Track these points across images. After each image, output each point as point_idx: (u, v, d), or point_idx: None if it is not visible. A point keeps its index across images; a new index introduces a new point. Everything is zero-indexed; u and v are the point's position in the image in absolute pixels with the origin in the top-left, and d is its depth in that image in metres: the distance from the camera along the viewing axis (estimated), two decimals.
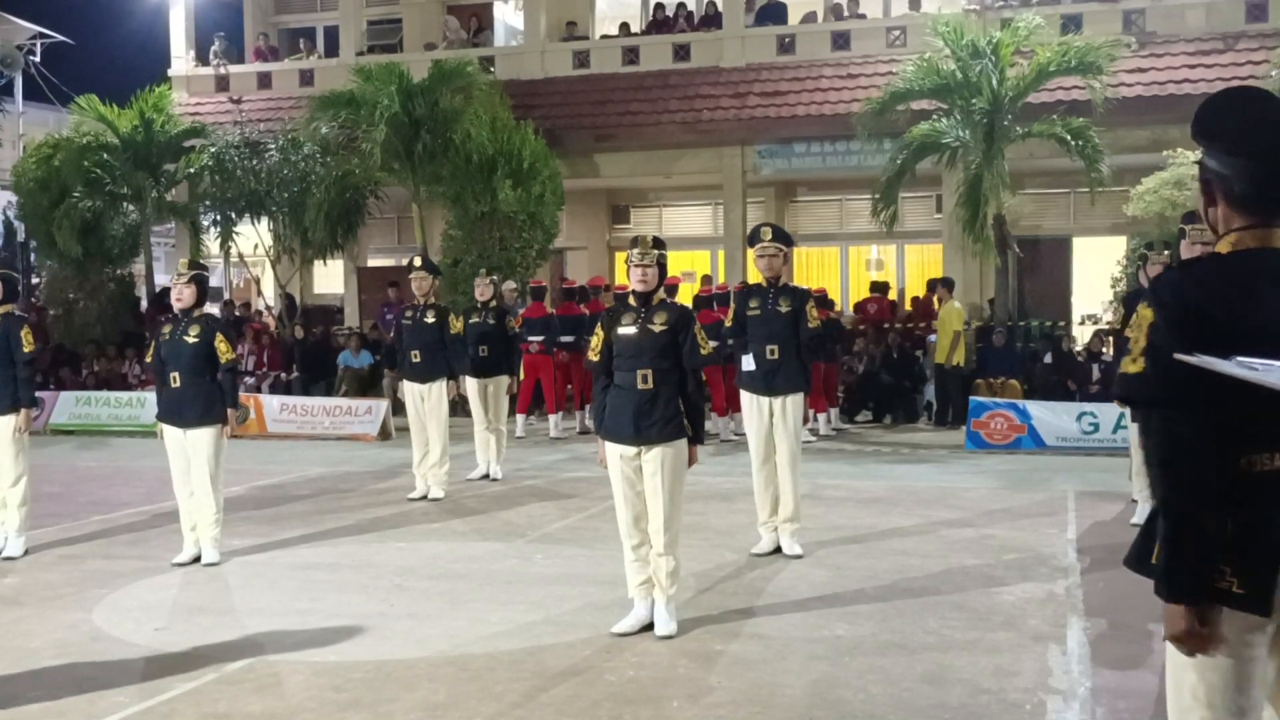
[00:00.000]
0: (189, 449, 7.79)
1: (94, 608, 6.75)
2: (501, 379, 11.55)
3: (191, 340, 7.75)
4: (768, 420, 7.71)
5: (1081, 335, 17.78)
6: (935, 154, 16.05)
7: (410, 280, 10.65)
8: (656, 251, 6.14)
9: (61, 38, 27.10)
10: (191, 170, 19.16)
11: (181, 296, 7.88)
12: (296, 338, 18.40)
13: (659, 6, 21.66)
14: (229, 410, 7.87)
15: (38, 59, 26.96)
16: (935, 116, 15.96)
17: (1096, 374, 14.59)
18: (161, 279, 20.20)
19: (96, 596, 7.01)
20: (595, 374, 6.30)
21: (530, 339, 14.22)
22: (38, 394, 9.23)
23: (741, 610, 6.47)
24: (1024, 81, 15.50)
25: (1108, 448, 12.22)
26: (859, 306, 19.11)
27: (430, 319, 10.34)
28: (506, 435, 11.90)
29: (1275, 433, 2.61)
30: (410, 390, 10.39)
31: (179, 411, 7.78)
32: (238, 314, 20.45)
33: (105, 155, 19.12)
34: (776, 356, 7.70)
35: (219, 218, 19.29)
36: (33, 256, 22.88)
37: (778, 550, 7.77)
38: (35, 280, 22.66)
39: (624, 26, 21.64)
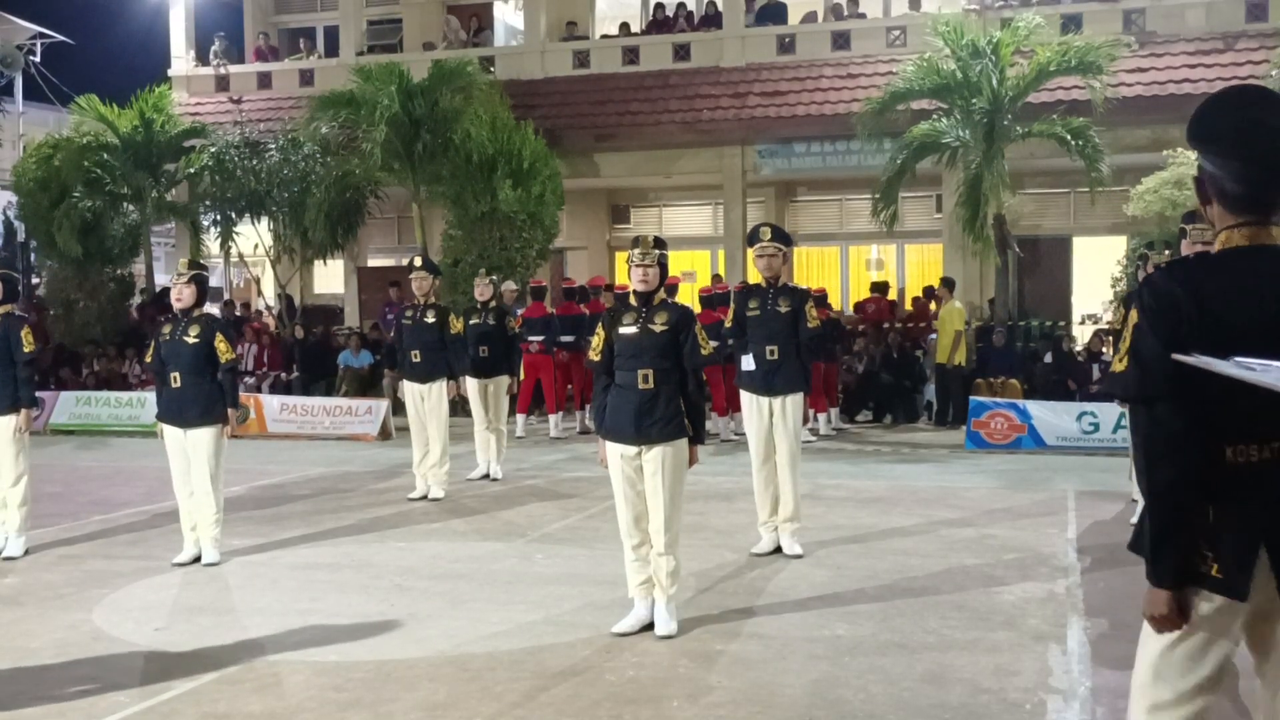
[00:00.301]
0: (189, 449, 7.79)
1: (94, 608, 6.75)
2: (502, 379, 11.55)
3: (191, 340, 7.75)
4: (767, 420, 7.71)
5: (1081, 335, 17.77)
6: (935, 154, 16.05)
7: (410, 280, 10.66)
8: (657, 251, 6.14)
9: (61, 38, 27.13)
10: (191, 170, 19.17)
11: (181, 296, 7.87)
12: (296, 338, 18.40)
13: (659, 6, 21.66)
14: (229, 410, 7.87)
15: (38, 59, 26.97)
16: (935, 116, 15.97)
17: (1097, 374, 14.58)
18: (161, 279, 20.20)
19: (97, 596, 7.02)
20: (596, 374, 6.31)
21: (530, 339, 14.22)
22: (38, 394, 9.22)
23: (741, 610, 6.47)
24: (1024, 81, 15.50)
25: (1108, 448, 12.21)
26: (859, 306, 19.11)
27: (430, 319, 10.34)
28: (506, 435, 11.90)
29: (1259, 427, 2.71)
30: (410, 390, 10.39)
31: (179, 411, 7.78)
32: (238, 314, 20.45)
33: (105, 155, 19.13)
34: (776, 357, 7.70)
35: (219, 218, 19.30)
36: (33, 256, 22.87)
37: (778, 550, 7.77)
38: (35, 280, 22.67)
39: (624, 26, 21.64)
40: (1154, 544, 2.75)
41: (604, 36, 21.54)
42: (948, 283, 15.71)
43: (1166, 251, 9.98)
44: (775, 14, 20.28)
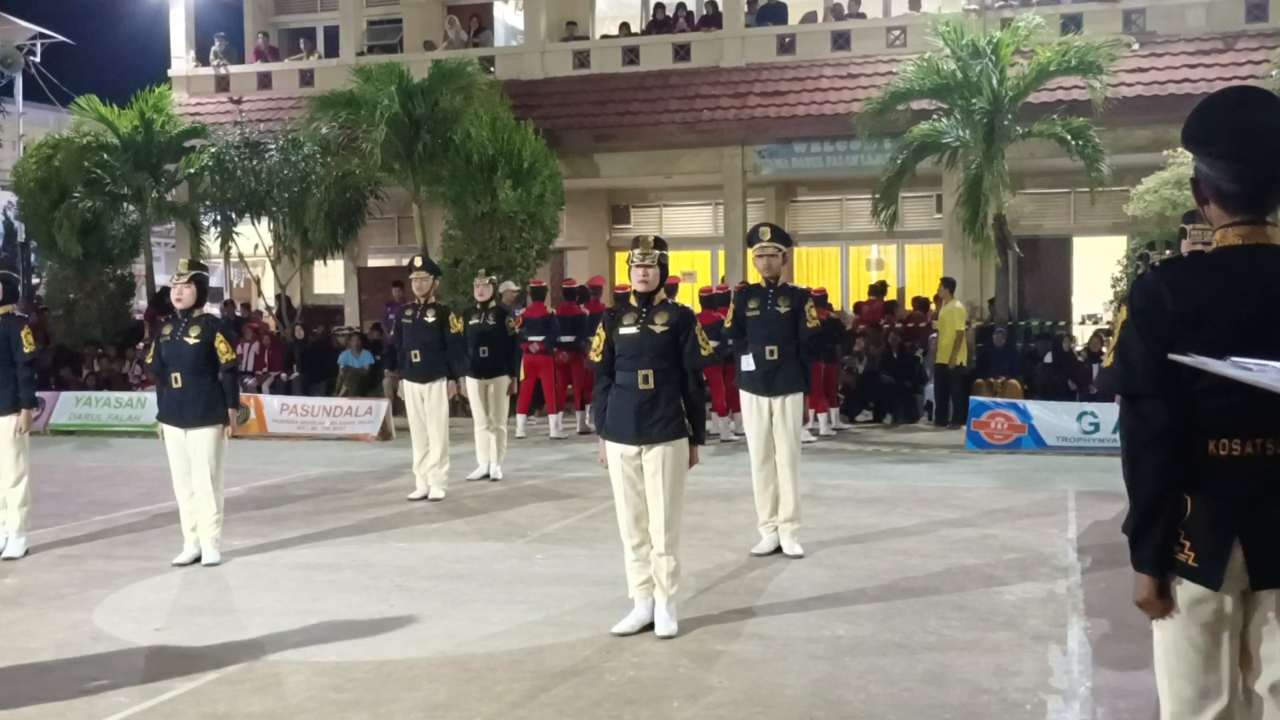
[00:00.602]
0: (190, 449, 7.79)
1: (94, 608, 6.75)
2: (502, 379, 11.55)
3: (192, 341, 7.75)
4: (767, 420, 7.71)
5: (1082, 335, 17.78)
6: (935, 154, 16.05)
7: (411, 280, 10.66)
8: (658, 252, 6.14)
9: (62, 38, 27.13)
10: (191, 170, 19.16)
11: (181, 297, 7.88)
12: (296, 338, 18.40)
13: (659, 6, 21.65)
14: (230, 410, 7.87)
15: (38, 59, 26.97)
16: (935, 116, 15.97)
17: (1097, 374, 14.58)
18: (161, 279, 20.21)
19: (97, 597, 7.02)
20: (597, 374, 6.31)
21: (530, 339, 14.22)
22: (38, 394, 9.21)
23: (742, 610, 6.47)
24: (1024, 81, 15.50)
25: (1108, 448, 12.21)
26: (859, 307, 19.11)
27: (430, 319, 10.34)
28: (507, 435, 11.91)
29: (1243, 422, 2.77)
30: (410, 390, 10.39)
31: (180, 412, 7.78)
32: (238, 314, 20.45)
33: (105, 155, 19.13)
34: (776, 357, 7.70)
35: (219, 218, 19.29)
36: (33, 257, 22.88)
37: (778, 550, 7.77)
38: (35, 280, 22.67)
39: (624, 26, 21.64)
40: (1135, 532, 2.88)
41: (604, 36, 21.54)
42: (948, 283, 15.71)
43: (1168, 251, 9.98)
44: (775, 14, 20.28)
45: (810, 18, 20.40)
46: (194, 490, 7.82)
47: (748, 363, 7.80)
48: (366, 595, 6.93)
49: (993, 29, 16.11)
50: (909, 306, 18.97)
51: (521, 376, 13.66)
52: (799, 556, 7.66)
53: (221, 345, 7.82)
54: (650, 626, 6.00)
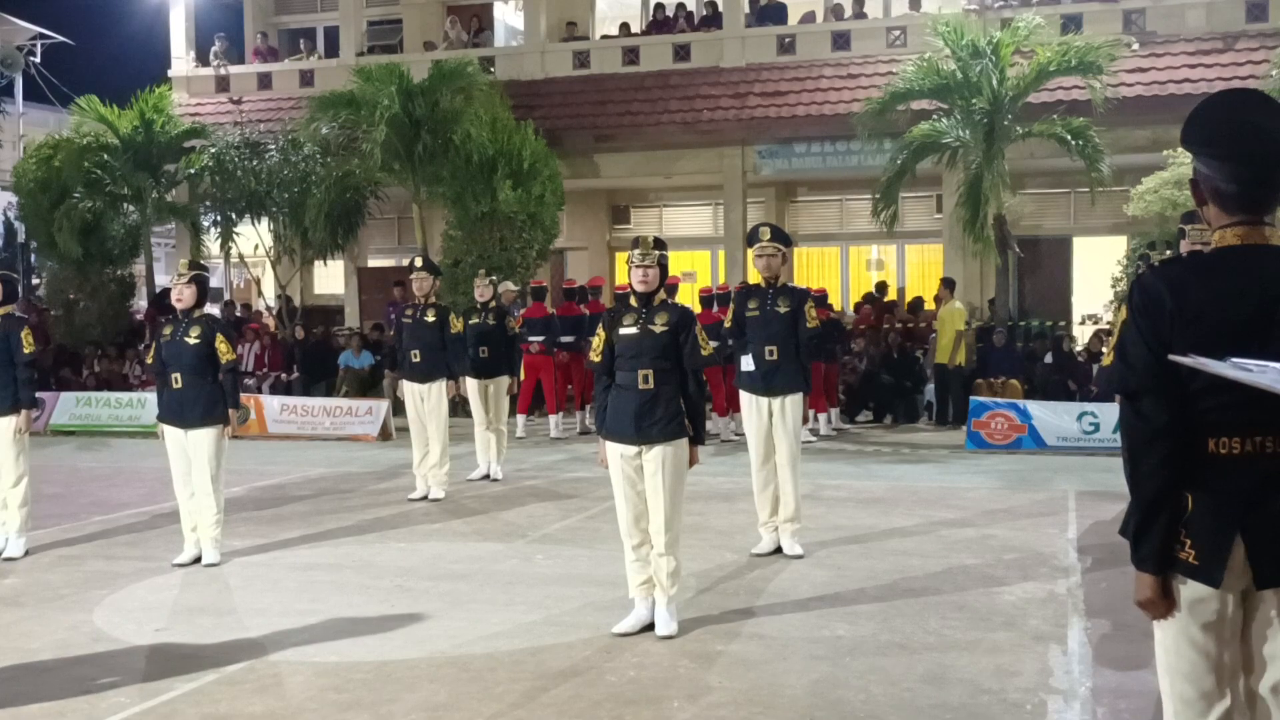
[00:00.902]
0: (190, 450, 7.79)
1: (95, 608, 6.76)
2: (502, 379, 11.56)
3: (192, 341, 7.75)
4: (767, 420, 7.71)
5: (1082, 335, 17.77)
6: (935, 154, 16.06)
7: (411, 280, 10.66)
8: (658, 252, 6.14)
9: (62, 38, 27.14)
10: (192, 171, 19.17)
11: (182, 297, 7.87)
12: (297, 338, 18.40)
13: (659, 6, 21.66)
14: (230, 411, 7.87)
15: (38, 59, 26.98)
16: (935, 116, 15.97)
17: (1096, 373, 14.59)
18: (162, 279, 20.22)
19: (97, 597, 7.02)
20: (597, 374, 6.31)
21: (531, 339, 14.23)
22: (38, 395, 9.22)
23: (742, 610, 6.47)
24: (1024, 81, 15.50)
25: (1108, 448, 12.19)
26: (858, 307, 19.11)
27: (430, 319, 10.34)
28: (507, 435, 11.91)
29: (1243, 420, 2.78)
30: (410, 390, 10.39)
31: (180, 412, 7.78)
32: (238, 314, 20.45)
33: (105, 156, 19.12)
34: (775, 357, 7.70)
35: (219, 218, 19.30)
36: (33, 257, 22.90)
37: (778, 550, 7.77)
38: (35, 281, 22.66)
39: (624, 27, 21.64)
40: (1136, 531, 2.89)
41: (604, 37, 21.54)
42: (948, 283, 15.72)
43: (1168, 251, 9.99)
44: (775, 14, 20.28)
45: (810, 18, 20.40)
46: (194, 491, 7.82)
47: (747, 363, 7.80)
48: (367, 596, 6.94)
49: (993, 29, 16.11)
50: (907, 308, 18.97)
51: (521, 377, 13.67)
52: (799, 557, 7.66)
53: (222, 345, 7.82)
54: (650, 627, 6.00)
